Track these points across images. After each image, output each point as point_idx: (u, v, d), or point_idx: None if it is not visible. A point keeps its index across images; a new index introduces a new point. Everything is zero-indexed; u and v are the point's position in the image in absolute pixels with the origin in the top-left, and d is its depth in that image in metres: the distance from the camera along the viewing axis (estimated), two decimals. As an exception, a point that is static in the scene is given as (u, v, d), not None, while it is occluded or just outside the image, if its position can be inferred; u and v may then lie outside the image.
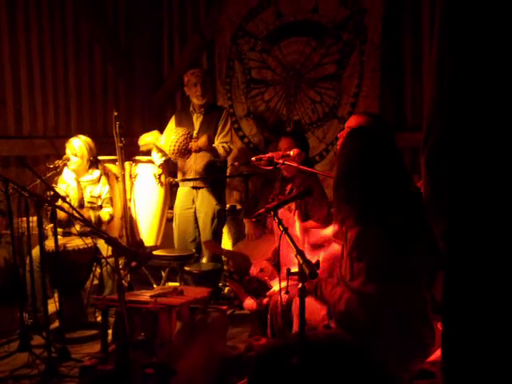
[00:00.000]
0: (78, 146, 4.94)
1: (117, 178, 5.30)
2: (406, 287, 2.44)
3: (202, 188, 5.34)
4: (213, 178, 5.32)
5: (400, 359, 2.45)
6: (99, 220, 4.97)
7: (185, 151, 5.08)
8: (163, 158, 5.30)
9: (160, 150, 5.26)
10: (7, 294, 4.61)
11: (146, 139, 5.30)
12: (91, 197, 5.00)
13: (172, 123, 5.47)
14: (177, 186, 5.52)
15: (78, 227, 4.73)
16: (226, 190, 6.33)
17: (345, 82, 5.73)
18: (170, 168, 5.62)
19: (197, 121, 5.38)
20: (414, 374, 2.62)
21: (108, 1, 6.82)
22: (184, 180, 5.34)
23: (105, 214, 5.03)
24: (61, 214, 4.50)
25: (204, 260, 5.41)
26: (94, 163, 5.07)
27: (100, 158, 5.38)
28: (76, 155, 4.92)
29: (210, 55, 6.74)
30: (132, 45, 7.01)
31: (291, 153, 4.26)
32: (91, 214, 4.91)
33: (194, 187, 5.37)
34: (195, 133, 5.26)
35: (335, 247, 3.09)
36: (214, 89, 6.65)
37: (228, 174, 5.91)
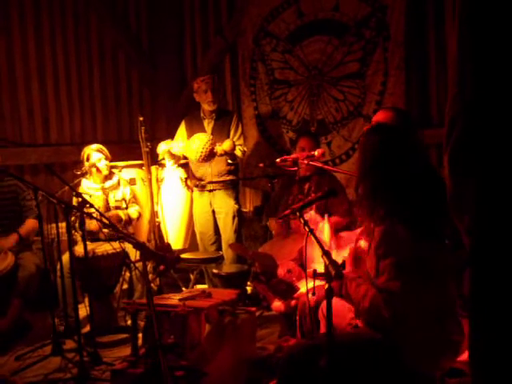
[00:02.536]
0: (102, 148, 5.04)
1: (143, 181, 5.37)
2: (432, 284, 2.43)
3: (219, 190, 5.40)
4: (230, 180, 5.38)
5: (429, 356, 2.43)
6: (129, 218, 5.04)
7: (210, 156, 5.13)
8: (175, 166, 5.36)
9: (173, 157, 5.31)
10: (39, 299, 4.67)
11: (161, 148, 5.33)
12: (116, 201, 5.07)
13: (182, 129, 5.54)
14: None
15: (105, 230, 4.79)
16: (253, 191, 6.37)
17: (369, 80, 5.69)
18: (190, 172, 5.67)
19: (208, 126, 5.44)
20: (445, 372, 2.60)
21: (131, 8, 6.90)
22: (210, 182, 5.38)
23: (133, 212, 5.12)
24: (91, 226, 4.59)
25: (227, 262, 5.44)
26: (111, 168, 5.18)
27: (126, 163, 5.46)
28: (107, 158, 5.02)
29: (232, 57, 6.76)
30: (155, 50, 7.07)
31: (316, 153, 4.26)
32: (120, 213, 4.97)
33: (210, 190, 5.42)
34: None
35: (361, 244, 3.08)
36: (238, 91, 6.68)
37: (250, 176, 5.97)
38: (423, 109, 5.51)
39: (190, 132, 5.39)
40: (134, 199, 5.25)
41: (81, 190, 5.04)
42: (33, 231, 4.88)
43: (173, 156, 5.33)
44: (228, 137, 5.34)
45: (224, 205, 5.41)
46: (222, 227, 5.45)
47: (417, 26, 5.45)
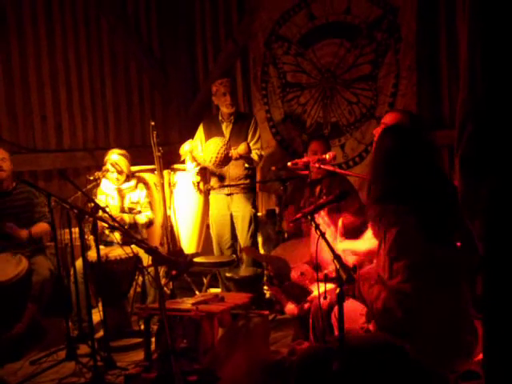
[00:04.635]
0: (118, 158, 5.06)
1: (155, 185, 5.38)
2: (445, 285, 2.42)
3: (236, 194, 5.39)
4: (247, 183, 5.37)
5: (442, 358, 2.42)
6: (135, 223, 5.04)
7: (226, 160, 5.13)
8: (198, 168, 5.36)
9: (195, 159, 5.31)
10: (53, 304, 4.69)
11: (185, 148, 5.35)
12: (131, 203, 5.11)
13: (201, 132, 5.54)
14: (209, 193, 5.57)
15: (117, 235, 4.80)
16: (265, 194, 6.36)
17: (381, 82, 5.68)
18: (208, 175, 5.68)
19: (226, 129, 5.44)
20: (460, 375, 2.58)
21: (141, 16, 6.93)
22: (223, 186, 5.38)
23: (141, 217, 5.11)
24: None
25: (243, 265, 5.43)
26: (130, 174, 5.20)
27: (139, 167, 5.47)
28: (122, 172, 5.05)
29: (244, 61, 6.77)
30: (166, 56, 7.10)
31: (327, 156, 4.26)
32: (125, 217, 4.98)
33: (227, 194, 5.41)
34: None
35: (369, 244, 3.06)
36: (249, 94, 6.68)
37: (263, 179, 5.97)
38: (435, 110, 5.49)
39: (208, 135, 5.40)
40: (150, 205, 5.24)
41: (99, 189, 5.11)
42: (43, 233, 4.90)
43: (194, 158, 5.33)
44: (246, 140, 5.34)
45: (241, 209, 5.40)
46: (238, 231, 5.45)
47: (428, 26, 5.42)
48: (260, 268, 5.30)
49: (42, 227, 4.87)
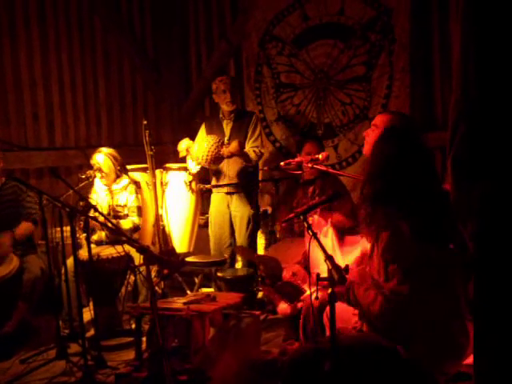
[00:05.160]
0: (102, 160, 5.00)
1: (147, 184, 5.35)
2: (440, 286, 2.42)
3: (236, 193, 5.37)
4: (246, 183, 5.35)
5: (434, 360, 2.42)
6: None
7: (217, 158, 5.12)
8: (199, 166, 5.32)
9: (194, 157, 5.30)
10: (44, 303, 4.67)
11: (182, 145, 5.33)
12: (117, 205, 5.05)
13: (203, 131, 5.52)
14: (209, 192, 5.54)
15: (102, 234, 4.76)
16: (259, 194, 6.37)
17: (374, 83, 5.70)
18: (201, 175, 5.65)
19: (227, 127, 5.42)
20: (451, 377, 2.58)
21: (135, 15, 6.92)
22: (217, 186, 5.37)
23: (126, 222, 5.03)
24: (101, 235, 4.56)
25: (238, 265, 5.42)
26: (122, 172, 5.14)
27: (131, 166, 5.44)
28: (102, 171, 4.98)
29: (237, 61, 6.77)
30: (160, 56, 7.10)
31: (320, 156, 4.26)
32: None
33: (227, 193, 5.39)
34: (226, 139, 5.30)
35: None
36: (242, 94, 6.67)
37: (260, 179, 5.95)
38: (428, 111, 5.51)
39: (210, 133, 5.37)
40: (138, 210, 5.11)
41: (93, 189, 5.08)
42: (25, 234, 4.81)
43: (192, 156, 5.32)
44: (246, 138, 5.32)
45: (240, 208, 5.37)
46: (236, 230, 5.42)
47: (421, 28, 5.44)
48: (254, 268, 5.29)
49: (24, 227, 4.81)
